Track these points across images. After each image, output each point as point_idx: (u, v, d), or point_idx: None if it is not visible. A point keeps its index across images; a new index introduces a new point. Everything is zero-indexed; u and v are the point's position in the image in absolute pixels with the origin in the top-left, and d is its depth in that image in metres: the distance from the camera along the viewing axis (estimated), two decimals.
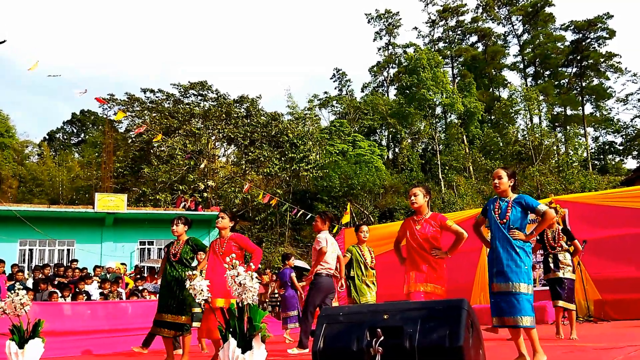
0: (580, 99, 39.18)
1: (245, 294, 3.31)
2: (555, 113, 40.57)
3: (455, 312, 2.08)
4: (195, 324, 6.32)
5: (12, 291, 5.31)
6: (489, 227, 4.12)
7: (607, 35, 37.34)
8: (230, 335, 3.32)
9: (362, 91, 44.77)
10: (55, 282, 9.97)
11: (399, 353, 2.03)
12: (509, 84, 39.53)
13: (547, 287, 6.34)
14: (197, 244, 5.30)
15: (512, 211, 3.91)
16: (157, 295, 6.05)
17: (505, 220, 3.90)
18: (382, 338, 2.05)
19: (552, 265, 6.09)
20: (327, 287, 5.64)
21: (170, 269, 5.24)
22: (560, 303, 5.99)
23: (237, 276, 3.35)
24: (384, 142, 40.39)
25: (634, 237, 8.56)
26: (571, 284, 6.11)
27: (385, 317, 2.16)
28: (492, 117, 39.05)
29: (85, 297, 8.83)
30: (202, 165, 25.60)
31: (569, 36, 39.07)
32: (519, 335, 3.85)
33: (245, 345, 3.28)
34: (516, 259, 3.81)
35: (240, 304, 3.35)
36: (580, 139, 36.25)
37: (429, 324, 2.05)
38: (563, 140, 36.75)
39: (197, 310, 6.67)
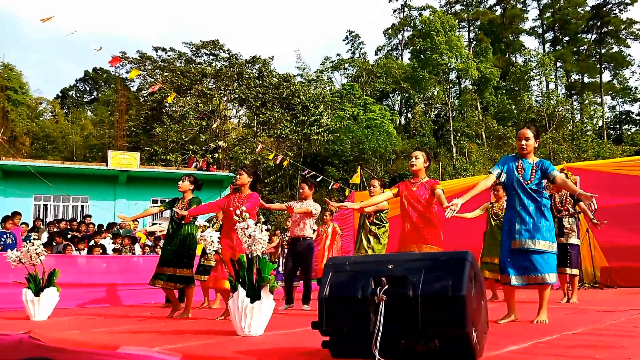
0: (598, 66, 38.22)
1: (254, 245, 3.38)
2: (572, 80, 39.71)
3: (459, 263, 2.11)
4: (200, 277, 6.48)
5: (28, 241, 5.45)
6: (504, 184, 4.06)
7: (629, 1, 36.06)
8: (239, 285, 3.40)
9: (376, 54, 44.04)
10: (69, 236, 10.19)
11: (402, 301, 2.07)
12: (525, 49, 38.55)
13: None
14: (191, 204, 5.34)
15: (536, 174, 3.89)
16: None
17: (529, 182, 3.87)
18: (386, 287, 2.09)
19: (556, 231, 6.05)
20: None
21: (173, 224, 5.35)
22: (567, 270, 5.99)
23: (246, 228, 3.42)
24: (396, 107, 39.94)
25: None
26: (575, 250, 6.10)
27: (390, 267, 2.19)
28: (508, 84, 38.31)
29: (101, 251, 9.04)
30: (214, 126, 25.59)
31: (590, 1, 37.84)
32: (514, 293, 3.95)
33: (254, 295, 3.36)
34: (541, 218, 3.82)
35: (249, 256, 3.42)
36: (596, 107, 35.54)
37: (433, 274, 2.08)
38: (579, 108, 36.08)
39: (204, 262, 6.82)
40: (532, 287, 3.97)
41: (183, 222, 5.28)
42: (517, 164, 3.97)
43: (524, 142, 3.97)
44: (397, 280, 2.11)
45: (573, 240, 6.05)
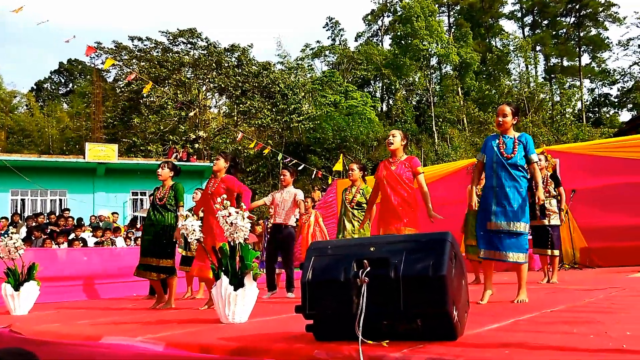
0: (577, 49, 38.67)
1: (236, 233, 3.36)
2: (552, 64, 40.13)
3: (440, 244, 2.12)
4: (183, 267, 6.45)
5: (6, 235, 5.34)
6: (487, 166, 4.06)
7: None
8: (222, 273, 3.39)
9: (356, 41, 43.87)
10: (48, 231, 10.03)
11: (384, 282, 2.08)
12: (503, 33, 38.78)
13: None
14: (177, 191, 5.29)
15: (518, 148, 3.89)
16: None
17: (512, 156, 3.87)
18: (368, 269, 2.10)
19: (538, 212, 6.08)
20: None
21: (155, 213, 5.28)
22: (548, 252, 6.05)
23: (228, 216, 3.39)
24: (377, 94, 39.94)
25: (624, 187, 8.63)
26: (556, 231, 6.18)
27: (371, 249, 2.20)
28: (488, 69, 38.56)
29: (82, 244, 8.92)
30: (192, 114, 25.29)
31: None
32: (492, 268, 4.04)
33: (237, 283, 3.35)
34: (519, 199, 3.82)
35: (232, 243, 3.41)
36: (574, 90, 36.02)
37: (414, 255, 2.10)
38: (558, 91, 36.53)
39: (184, 254, 6.78)
40: (505, 265, 4.05)
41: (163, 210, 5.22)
42: (498, 140, 3.98)
43: (501, 118, 4.01)
44: (379, 263, 2.12)
45: (554, 221, 6.11)
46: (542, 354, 1.79)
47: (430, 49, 33.82)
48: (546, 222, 6.02)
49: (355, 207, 5.61)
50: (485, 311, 3.34)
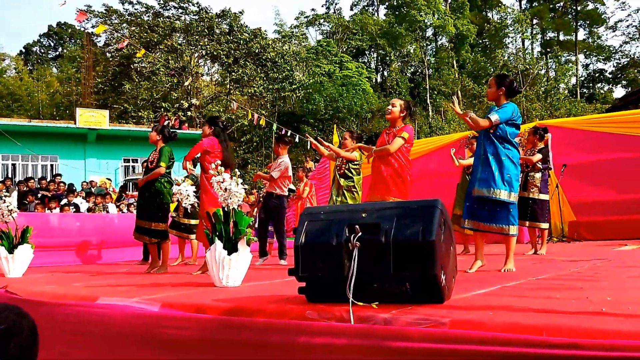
0: (574, 24, 38.36)
1: (230, 198, 3.40)
2: (548, 38, 39.84)
3: (429, 210, 2.18)
4: (174, 232, 6.50)
5: None
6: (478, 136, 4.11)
7: None
8: (216, 238, 3.44)
9: (351, 10, 43.19)
10: (40, 195, 10.02)
11: (375, 247, 2.14)
12: (501, 6, 38.32)
13: None
14: (161, 153, 5.28)
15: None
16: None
17: (494, 129, 3.90)
18: (360, 234, 2.15)
19: (521, 184, 6.13)
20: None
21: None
22: (527, 224, 6.15)
23: (222, 182, 3.42)
24: (372, 65, 39.56)
25: (614, 162, 8.72)
26: (545, 205, 6.26)
27: (363, 215, 2.25)
28: (483, 41, 38.22)
29: (74, 210, 8.93)
30: (187, 83, 24.99)
31: None
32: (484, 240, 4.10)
33: (231, 247, 3.41)
34: (502, 167, 3.85)
35: (226, 209, 3.45)
36: (569, 65, 35.92)
37: (404, 221, 2.15)
38: (553, 66, 36.41)
39: (176, 218, 6.82)
40: (494, 237, 4.13)
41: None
42: (489, 113, 4.04)
43: (487, 89, 4.08)
44: (370, 228, 2.18)
45: (537, 195, 6.20)
46: (524, 315, 1.87)
47: (426, 20, 33.40)
48: (526, 194, 6.09)
49: (345, 172, 5.59)
50: (473, 279, 3.43)
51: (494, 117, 3.84)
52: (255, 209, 10.31)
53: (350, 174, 5.57)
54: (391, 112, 4.49)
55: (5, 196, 5.34)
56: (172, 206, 6.27)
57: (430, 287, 2.14)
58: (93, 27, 28.80)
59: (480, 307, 2.13)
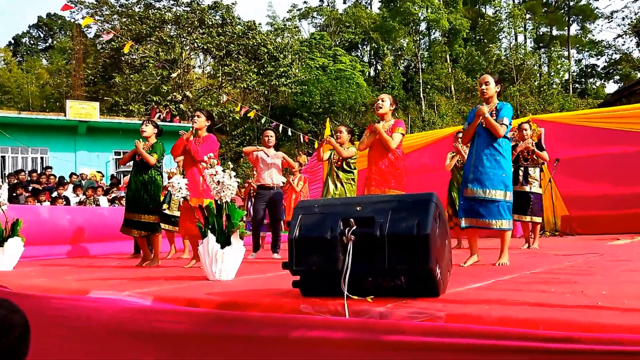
0: (566, 18, 38.48)
1: (223, 192, 3.37)
2: (540, 33, 39.94)
3: (424, 204, 2.16)
4: (164, 225, 6.43)
5: None
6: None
7: None
8: (209, 231, 3.41)
9: (345, 3, 42.98)
10: (30, 188, 9.92)
11: (370, 241, 2.12)
12: (494, 0, 38.33)
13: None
14: (156, 148, 5.27)
15: (496, 118, 3.93)
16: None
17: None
18: (354, 227, 2.14)
19: (521, 178, 6.16)
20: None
21: (137, 170, 5.26)
22: (527, 218, 6.18)
23: (215, 175, 3.39)
24: (365, 59, 39.48)
25: (607, 157, 8.76)
26: (537, 198, 6.29)
27: (358, 208, 2.23)
28: (477, 36, 38.24)
29: (64, 203, 8.84)
30: (174, 75, 24.78)
31: None
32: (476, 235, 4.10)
33: (224, 241, 3.38)
34: (495, 166, 3.86)
35: (219, 202, 3.41)
36: (563, 61, 36.05)
37: (399, 214, 2.13)
38: (546, 61, 36.50)
39: (166, 210, 6.76)
40: (488, 232, 4.14)
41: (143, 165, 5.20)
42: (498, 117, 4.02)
43: (484, 86, 4.04)
44: (365, 221, 2.16)
45: (535, 189, 6.22)
46: (519, 309, 1.87)
47: (420, 14, 33.34)
48: (527, 188, 6.12)
49: (343, 166, 5.60)
50: (467, 272, 3.43)
51: (507, 121, 3.88)
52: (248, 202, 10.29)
53: (348, 168, 5.61)
54: (382, 107, 4.52)
55: None
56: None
57: (425, 280, 2.13)
58: (83, 18, 28.42)
59: (475, 300, 2.12)
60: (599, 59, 39.11)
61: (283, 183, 6.68)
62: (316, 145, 15.23)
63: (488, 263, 4.05)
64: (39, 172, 13.02)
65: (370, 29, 35.25)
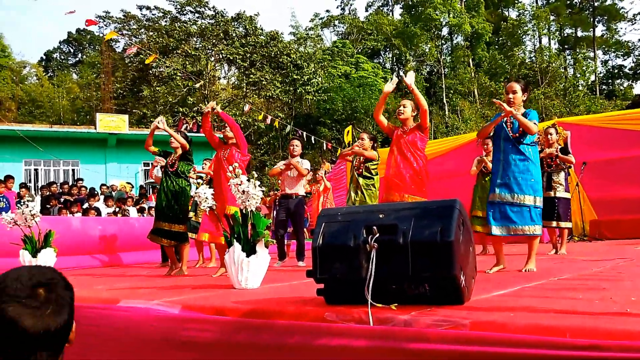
0: (591, 19, 37.74)
1: (248, 201, 3.42)
2: (565, 34, 39.26)
3: (448, 210, 2.16)
4: (192, 235, 6.54)
5: (22, 203, 5.46)
6: (494, 139, 4.08)
7: None
8: (235, 240, 3.46)
9: (366, 10, 43.10)
10: (62, 200, 10.20)
11: (393, 248, 2.13)
12: (518, 3, 37.87)
13: None
14: (184, 159, 5.41)
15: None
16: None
17: (517, 135, 3.88)
18: (377, 235, 2.15)
19: (544, 184, 6.06)
20: None
21: (167, 179, 5.36)
22: (554, 224, 6.07)
23: (240, 184, 3.45)
24: (387, 65, 39.43)
25: (635, 160, 8.55)
26: (564, 203, 6.17)
27: (380, 216, 2.24)
28: (500, 39, 37.80)
29: (96, 213, 9.07)
30: (198, 85, 25.21)
31: None
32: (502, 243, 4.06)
33: (249, 250, 3.43)
34: (524, 171, 3.84)
35: (244, 211, 3.47)
36: (589, 62, 35.32)
37: (422, 221, 2.14)
38: (572, 63, 35.82)
39: (193, 219, 6.85)
40: (514, 238, 4.09)
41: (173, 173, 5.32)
42: (506, 118, 4.00)
43: (510, 95, 4.00)
44: (388, 229, 2.17)
45: (560, 193, 6.11)
46: (547, 316, 1.85)
47: (442, 19, 33.19)
48: (552, 193, 6.02)
49: (364, 172, 5.61)
50: (493, 279, 3.39)
51: (535, 121, 3.86)
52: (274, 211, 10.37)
53: (369, 174, 5.61)
54: (403, 112, 4.54)
55: (29, 201, 5.45)
56: None
57: (449, 288, 2.12)
58: None
59: (501, 308, 2.10)
60: (625, 59, 38.20)
61: (306, 192, 6.73)
62: (339, 153, 15.27)
63: (514, 269, 4.00)
64: (70, 184, 13.39)
65: (392, 35, 35.22)
